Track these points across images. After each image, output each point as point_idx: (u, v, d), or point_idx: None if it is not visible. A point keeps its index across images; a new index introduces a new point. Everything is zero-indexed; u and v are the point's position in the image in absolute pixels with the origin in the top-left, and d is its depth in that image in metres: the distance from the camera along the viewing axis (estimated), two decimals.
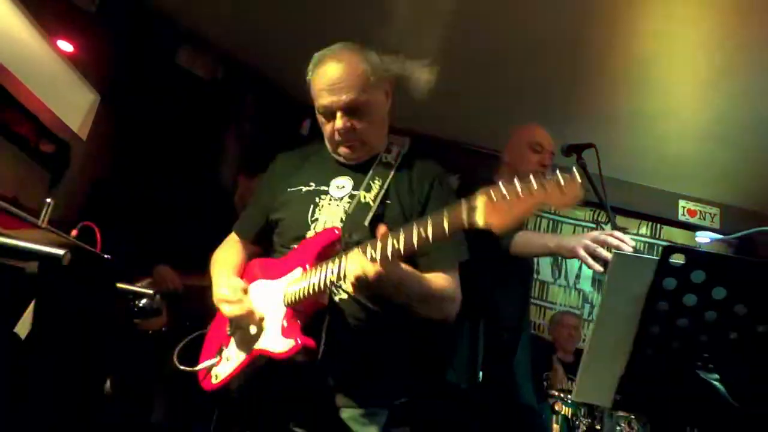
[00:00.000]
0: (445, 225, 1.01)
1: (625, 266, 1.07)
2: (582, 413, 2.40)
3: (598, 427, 2.42)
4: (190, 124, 3.47)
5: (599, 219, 4.26)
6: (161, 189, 2.92)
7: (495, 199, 1.00)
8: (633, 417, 2.28)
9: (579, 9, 2.77)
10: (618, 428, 2.33)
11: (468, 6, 2.91)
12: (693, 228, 4.18)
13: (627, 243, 1.45)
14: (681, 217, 4.32)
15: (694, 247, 1.31)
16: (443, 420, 2.07)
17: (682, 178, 4.20)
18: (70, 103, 2.90)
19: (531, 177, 1.01)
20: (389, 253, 1.04)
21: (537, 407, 2.26)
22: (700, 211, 4.31)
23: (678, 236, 4.25)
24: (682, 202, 4.36)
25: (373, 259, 1.05)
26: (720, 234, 1.65)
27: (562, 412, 2.39)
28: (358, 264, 1.06)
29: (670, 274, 1.04)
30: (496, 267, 2.04)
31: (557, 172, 1.02)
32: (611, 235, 1.48)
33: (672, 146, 3.82)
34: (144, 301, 1.84)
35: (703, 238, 1.47)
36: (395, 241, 1.04)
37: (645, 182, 4.37)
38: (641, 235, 4.27)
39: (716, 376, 1.07)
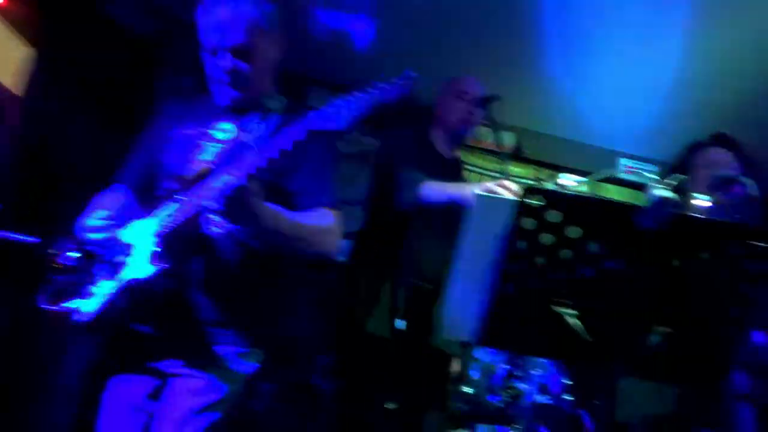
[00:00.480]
0: None
1: (487, 206, 1.11)
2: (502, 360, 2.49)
3: (518, 373, 2.51)
4: (125, 78, 3.37)
5: (540, 177, 4.33)
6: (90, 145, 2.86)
7: None
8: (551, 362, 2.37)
9: None
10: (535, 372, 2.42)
11: None
12: (634, 186, 4.29)
13: (511, 190, 1.49)
14: (622, 175, 4.42)
15: (556, 188, 1.35)
16: (365, 370, 2.14)
17: (622, 137, 4.30)
18: (2, 57, 2.78)
19: None
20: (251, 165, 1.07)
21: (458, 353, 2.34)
22: (641, 170, 4.41)
23: (615, 193, 4.35)
24: (622, 160, 4.46)
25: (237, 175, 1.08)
26: None
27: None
28: (222, 180, 1.09)
29: (528, 215, 1.08)
30: (415, 218, 2.10)
31: None
32: (500, 185, 1.52)
33: (611, 105, 3.89)
34: None
35: (566, 180, 1.51)
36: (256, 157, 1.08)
37: (587, 141, 4.46)
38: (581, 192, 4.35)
39: (573, 311, 1.13)
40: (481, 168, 4.31)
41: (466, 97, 2.29)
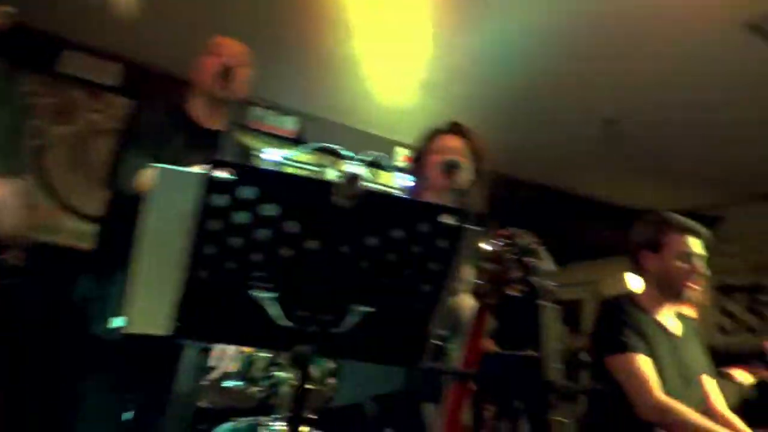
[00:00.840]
0: None
1: (171, 181, 0.98)
2: None
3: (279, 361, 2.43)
4: None
5: (321, 162, 4.35)
6: None
7: None
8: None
9: None
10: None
11: None
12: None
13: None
14: (397, 163, 4.65)
15: (248, 164, 1.29)
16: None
17: (398, 126, 4.52)
18: None
19: None
20: None
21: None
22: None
23: (393, 179, 4.58)
24: (398, 149, 4.70)
25: None
26: None
27: None
28: None
29: (219, 190, 0.98)
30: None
31: None
32: None
33: (386, 94, 4.06)
34: None
35: (270, 154, 1.48)
36: None
37: (365, 128, 4.61)
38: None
39: (273, 294, 1.06)
40: (299, 162, 4.20)
41: (221, 52, 2.03)
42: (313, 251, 1.05)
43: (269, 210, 1.01)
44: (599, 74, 3.42)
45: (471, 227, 1.07)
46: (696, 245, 2.09)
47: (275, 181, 1.02)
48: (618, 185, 5.13)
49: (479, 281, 1.18)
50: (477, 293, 1.19)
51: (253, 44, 3.46)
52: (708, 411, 2.02)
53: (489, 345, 1.87)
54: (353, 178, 0.97)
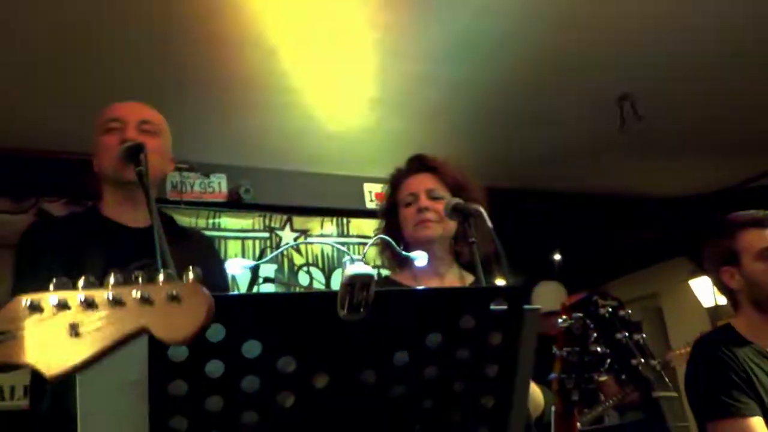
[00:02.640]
0: None
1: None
2: None
3: None
4: None
5: (272, 225, 4.27)
6: None
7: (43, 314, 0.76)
8: None
9: None
10: None
11: None
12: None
13: None
14: (369, 204, 4.60)
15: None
16: None
17: (362, 159, 4.49)
18: None
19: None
20: None
21: None
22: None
23: (370, 228, 4.52)
24: (368, 186, 4.66)
25: None
26: None
27: None
28: None
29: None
30: None
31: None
32: None
33: (335, 123, 4.02)
34: None
35: (232, 267, 1.37)
36: None
37: (323, 169, 4.56)
38: (327, 236, 4.42)
39: None
40: (239, 230, 4.12)
41: (119, 126, 1.87)
42: (324, 390, 0.96)
43: (249, 350, 0.92)
44: (605, 48, 3.45)
45: (531, 307, 1.00)
46: None
47: (245, 309, 0.93)
48: (650, 173, 5.17)
49: (557, 374, 1.11)
50: (557, 391, 1.12)
51: (160, 98, 3.44)
52: None
53: None
54: (364, 282, 0.88)
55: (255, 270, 3.47)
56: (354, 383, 0.97)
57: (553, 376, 1.12)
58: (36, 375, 1.81)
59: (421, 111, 3.97)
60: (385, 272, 3.25)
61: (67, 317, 0.76)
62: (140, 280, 0.78)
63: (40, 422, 1.72)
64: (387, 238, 1.64)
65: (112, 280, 0.79)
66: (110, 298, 0.77)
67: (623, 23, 3.26)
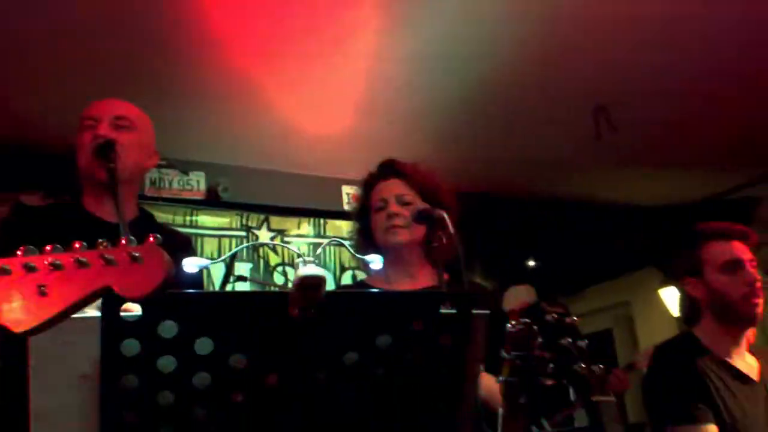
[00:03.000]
0: None
1: (52, 336, 0.89)
2: None
3: None
4: None
5: (249, 224, 4.27)
6: None
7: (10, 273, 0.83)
8: None
9: None
10: None
11: None
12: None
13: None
14: (347, 206, 4.60)
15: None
16: None
17: (341, 161, 4.49)
18: None
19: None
20: None
21: None
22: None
23: (347, 229, 4.52)
24: (345, 188, 4.66)
25: None
26: None
27: None
28: None
29: (127, 334, 0.90)
30: None
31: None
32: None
33: (318, 126, 4.03)
34: None
35: (188, 264, 1.38)
36: None
37: (302, 170, 4.56)
38: (304, 236, 4.42)
39: None
40: (216, 228, 4.10)
41: (93, 123, 1.87)
42: (274, 388, 0.97)
43: (201, 347, 0.93)
44: (581, 63, 3.49)
45: (478, 312, 1.02)
46: (742, 250, 2.11)
47: (199, 307, 0.94)
48: (624, 184, 5.23)
49: (504, 378, 1.13)
50: (504, 393, 1.14)
51: (139, 93, 3.43)
52: None
53: None
54: (314, 284, 0.90)
55: (229, 268, 3.47)
56: (304, 382, 0.98)
57: (501, 379, 1.15)
58: None
59: (399, 115, 3.98)
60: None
61: (35, 279, 0.82)
62: (105, 245, 0.86)
63: None
64: (340, 240, 1.67)
65: (77, 245, 0.85)
66: (76, 259, 0.84)
67: (600, 36, 3.30)
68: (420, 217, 1.89)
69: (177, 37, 3.12)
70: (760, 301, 2.08)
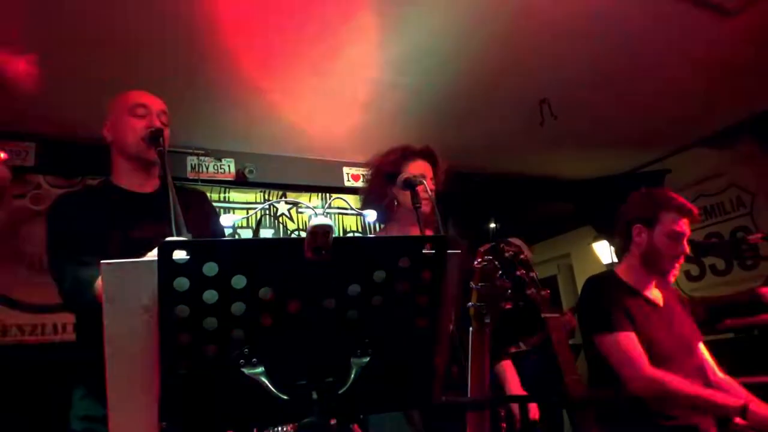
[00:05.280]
0: None
1: (120, 277, 0.89)
2: None
3: None
4: None
5: (270, 199, 4.25)
6: None
7: None
8: None
9: None
10: None
11: None
12: (359, 192, 4.50)
13: None
14: (347, 183, 4.60)
15: (197, 239, 1.15)
16: None
17: (343, 148, 4.47)
18: None
19: None
20: None
21: None
22: (363, 175, 4.65)
23: (349, 201, 4.52)
24: (345, 169, 4.65)
25: None
26: None
27: None
28: None
29: (178, 274, 0.90)
30: None
31: None
32: None
33: (323, 119, 4.00)
34: None
35: (223, 221, 1.39)
36: None
37: (311, 156, 4.54)
38: (314, 207, 4.41)
39: (260, 368, 0.98)
40: (244, 203, 4.07)
41: (144, 113, 1.82)
42: (295, 314, 0.98)
43: (237, 282, 0.93)
44: (527, 61, 3.46)
45: (451, 251, 1.03)
46: (687, 226, 2.11)
47: (234, 251, 0.94)
48: (564, 160, 5.24)
49: (473, 303, 1.14)
50: (473, 315, 1.15)
51: (173, 92, 3.38)
52: (706, 378, 2.05)
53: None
54: (324, 230, 0.90)
55: (255, 233, 3.46)
56: (318, 308, 0.99)
57: (470, 304, 1.16)
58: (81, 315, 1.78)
59: (387, 110, 3.95)
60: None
61: None
62: None
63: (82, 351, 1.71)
64: (343, 198, 1.66)
65: None
66: None
67: (541, 41, 3.28)
68: (405, 185, 1.89)
69: (214, 52, 3.08)
70: (679, 265, 2.13)
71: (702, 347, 2.15)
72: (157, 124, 1.80)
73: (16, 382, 3.05)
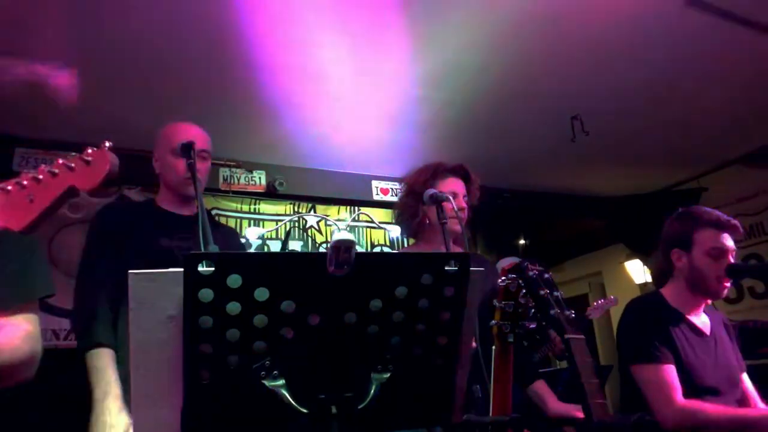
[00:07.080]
0: None
1: (147, 286, 0.91)
2: None
3: None
4: None
5: (300, 211, 4.30)
6: None
7: (9, 190, 0.96)
8: None
9: None
10: None
11: None
12: (388, 205, 4.51)
13: None
14: (376, 197, 4.62)
15: (228, 251, 1.19)
16: None
17: (372, 161, 4.50)
18: None
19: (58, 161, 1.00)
20: None
21: None
22: (392, 188, 4.67)
23: (376, 214, 4.54)
24: (374, 183, 4.67)
25: None
26: None
27: None
28: None
29: (203, 285, 0.91)
30: None
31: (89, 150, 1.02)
32: None
33: (352, 133, 4.03)
34: None
35: (250, 234, 1.41)
36: None
37: (341, 169, 4.58)
38: (342, 221, 4.43)
39: (281, 381, 0.98)
40: (235, 212, 4.13)
41: (178, 151, 1.86)
42: (316, 327, 0.98)
43: (259, 294, 0.94)
44: (559, 77, 3.43)
45: (475, 269, 1.02)
46: (728, 240, 2.00)
47: (258, 264, 0.95)
48: (596, 177, 5.15)
49: (496, 321, 1.13)
50: (496, 334, 1.14)
51: (208, 105, 3.45)
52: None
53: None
54: (346, 246, 0.91)
55: (284, 246, 3.49)
56: (339, 322, 0.99)
57: (493, 323, 1.14)
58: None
59: (416, 125, 3.96)
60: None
61: (25, 191, 0.98)
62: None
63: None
64: (367, 213, 1.67)
65: (43, 166, 1.01)
66: (48, 170, 0.99)
67: (575, 59, 3.25)
68: (431, 200, 1.88)
69: (248, 69, 3.15)
70: (727, 283, 1.99)
71: (746, 377, 2.06)
72: (197, 160, 1.83)
73: (53, 386, 3.11)
